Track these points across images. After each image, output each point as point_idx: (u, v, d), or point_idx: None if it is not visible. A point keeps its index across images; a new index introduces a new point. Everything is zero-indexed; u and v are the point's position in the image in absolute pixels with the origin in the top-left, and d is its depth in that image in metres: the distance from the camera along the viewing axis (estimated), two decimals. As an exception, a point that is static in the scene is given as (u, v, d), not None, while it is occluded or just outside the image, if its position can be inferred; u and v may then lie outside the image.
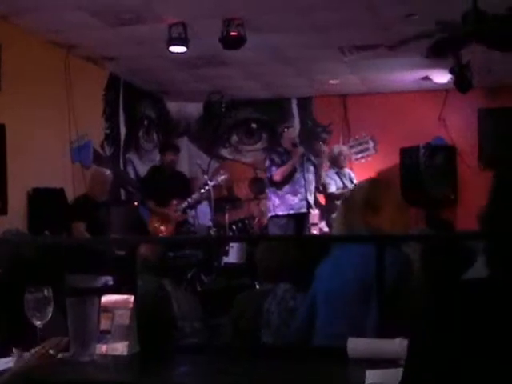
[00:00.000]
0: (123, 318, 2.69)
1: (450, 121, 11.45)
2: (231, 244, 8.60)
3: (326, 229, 9.86)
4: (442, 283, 1.56)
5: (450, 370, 1.44)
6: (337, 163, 9.73)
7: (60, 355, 2.58)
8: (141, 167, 11.10)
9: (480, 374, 1.41)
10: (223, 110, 12.07)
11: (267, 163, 8.87)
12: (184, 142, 12.27)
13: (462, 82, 8.85)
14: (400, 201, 3.40)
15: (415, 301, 2.87)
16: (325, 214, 9.86)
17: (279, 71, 10.16)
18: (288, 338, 3.51)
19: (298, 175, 8.69)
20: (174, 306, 3.62)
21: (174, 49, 7.84)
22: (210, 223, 9.58)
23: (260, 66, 9.79)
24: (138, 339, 2.74)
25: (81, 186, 8.66)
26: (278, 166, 8.68)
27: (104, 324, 2.69)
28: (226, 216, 9.78)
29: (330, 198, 9.53)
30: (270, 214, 8.89)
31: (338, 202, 9.41)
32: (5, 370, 2.37)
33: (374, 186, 3.47)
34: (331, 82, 10.85)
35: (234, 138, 12.54)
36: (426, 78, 10.57)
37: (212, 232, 9.35)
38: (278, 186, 8.68)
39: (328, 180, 9.57)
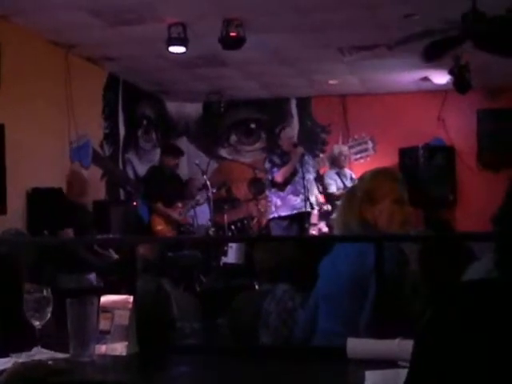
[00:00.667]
0: (122, 318, 2.69)
1: (449, 121, 11.47)
2: (230, 244, 8.60)
3: (325, 229, 9.86)
4: (446, 286, 1.56)
5: (456, 376, 1.44)
6: (337, 163, 9.74)
7: (59, 355, 2.59)
8: (140, 167, 11.11)
9: (486, 379, 1.41)
10: (222, 110, 12.08)
11: (267, 165, 8.86)
12: (183, 142, 12.28)
13: (461, 82, 8.87)
14: (400, 195, 3.33)
15: (413, 300, 2.87)
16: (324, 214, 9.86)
17: (278, 71, 10.16)
18: (292, 337, 3.51)
19: (298, 175, 8.70)
20: (174, 307, 3.62)
21: (174, 49, 7.85)
22: (209, 223, 9.59)
23: (259, 66, 9.80)
24: (137, 339, 2.73)
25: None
26: (279, 167, 8.68)
27: (103, 324, 2.68)
28: (225, 216, 9.79)
29: (331, 198, 9.52)
30: (271, 216, 8.88)
31: (339, 203, 9.47)
32: (3, 371, 2.37)
33: (375, 176, 3.42)
34: (330, 82, 10.86)
35: (233, 138, 12.54)
36: (426, 79, 10.58)
37: (211, 232, 9.36)
38: (281, 187, 8.69)
39: (328, 180, 9.58)
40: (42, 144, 8.11)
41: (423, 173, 10.96)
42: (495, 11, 5.91)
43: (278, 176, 8.64)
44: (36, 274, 3.15)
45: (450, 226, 7.07)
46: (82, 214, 8.12)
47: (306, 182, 8.63)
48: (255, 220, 10.25)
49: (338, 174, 9.68)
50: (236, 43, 7.60)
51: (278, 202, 8.73)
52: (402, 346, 2.37)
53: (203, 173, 9.82)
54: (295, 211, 8.67)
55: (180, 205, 9.45)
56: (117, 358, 2.64)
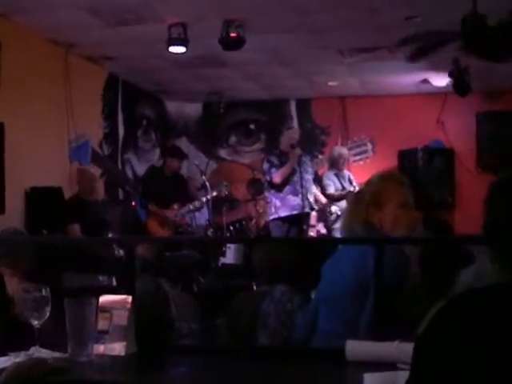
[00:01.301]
0: (121, 318, 2.69)
1: (449, 124, 11.47)
2: (228, 245, 8.60)
3: (323, 230, 9.86)
4: (449, 294, 1.56)
5: (455, 379, 1.43)
6: (336, 165, 9.72)
7: (57, 355, 2.58)
8: (139, 167, 11.11)
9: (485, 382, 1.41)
10: (222, 110, 12.08)
11: (265, 166, 8.84)
12: (182, 143, 12.27)
13: (460, 85, 8.87)
14: (406, 199, 3.34)
15: (413, 303, 2.87)
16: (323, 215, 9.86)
17: (278, 72, 10.16)
18: (291, 338, 3.50)
19: (296, 176, 8.69)
20: (172, 307, 3.61)
21: (174, 49, 7.85)
22: (208, 223, 9.59)
23: (259, 67, 9.79)
24: (135, 339, 2.73)
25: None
26: (277, 167, 8.67)
27: (102, 324, 2.68)
28: (224, 217, 9.78)
29: (329, 199, 9.52)
30: (271, 217, 8.86)
31: (338, 203, 9.46)
32: (2, 370, 2.36)
33: (381, 180, 3.43)
34: (330, 83, 10.86)
35: (233, 138, 12.54)
36: (425, 81, 10.58)
37: (209, 232, 9.35)
38: (279, 187, 8.67)
39: (327, 181, 9.58)
40: (41, 143, 8.10)
41: (422, 175, 10.96)
42: (496, 14, 5.91)
43: (276, 177, 8.63)
44: (38, 273, 3.15)
45: (448, 228, 7.07)
46: (94, 210, 8.19)
47: (304, 182, 8.62)
48: (254, 221, 10.24)
49: (337, 176, 9.67)
50: (236, 44, 7.61)
51: (278, 203, 8.71)
52: (400, 349, 2.37)
53: (202, 173, 9.82)
54: (295, 211, 8.66)
55: (176, 206, 9.43)
56: (115, 358, 2.64)
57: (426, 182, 10.86)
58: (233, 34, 7.48)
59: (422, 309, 1.55)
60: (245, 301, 4.13)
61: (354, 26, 7.73)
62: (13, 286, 3.15)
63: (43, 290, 2.61)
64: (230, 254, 8.58)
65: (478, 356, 1.42)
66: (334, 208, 9.48)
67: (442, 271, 3.04)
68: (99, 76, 9.87)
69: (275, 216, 8.74)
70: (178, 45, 7.75)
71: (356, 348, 2.54)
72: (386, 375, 2.28)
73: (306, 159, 9.01)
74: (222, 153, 12.54)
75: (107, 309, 2.71)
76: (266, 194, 9.03)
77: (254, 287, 6.02)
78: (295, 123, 12.08)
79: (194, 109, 12.47)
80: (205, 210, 9.71)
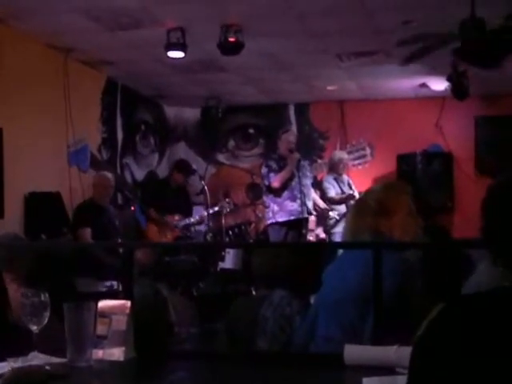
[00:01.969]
0: (120, 323, 2.68)
1: (447, 128, 11.48)
2: (227, 249, 8.59)
3: (322, 235, 9.86)
4: (445, 299, 1.56)
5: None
6: (335, 169, 9.71)
7: (56, 360, 2.58)
8: (138, 172, 11.11)
9: None
10: (220, 115, 12.08)
11: (264, 170, 8.82)
12: (181, 147, 12.28)
13: (459, 89, 8.87)
14: (412, 207, 3.37)
15: (413, 308, 2.87)
16: (322, 220, 9.86)
17: (277, 77, 10.17)
18: (290, 343, 3.50)
19: (295, 181, 8.68)
20: (171, 312, 3.61)
21: (172, 54, 7.85)
22: (207, 228, 9.59)
23: (257, 72, 9.80)
24: (134, 345, 2.73)
25: (77, 190, 8.66)
26: (276, 172, 8.67)
27: (100, 329, 2.68)
28: (223, 221, 9.78)
29: (330, 202, 9.52)
30: (269, 221, 8.86)
31: (338, 208, 9.45)
32: (0, 376, 2.36)
33: (388, 189, 3.46)
34: (329, 88, 10.87)
35: (231, 143, 12.55)
36: (424, 85, 10.59)
37: (208, 237, 9.35)
38: (277, 192, 8.66)
39: (327, 185, 9.57)
40: (39, 148, 8.10)
41: (421, 179, 10.97)
42: (494, 18, 5.91)
43: (275, 181, 8.62)
44: (37, 278, 3.14)
45: (446, 233, 7.07)
46: (108, 216, 8.28)
47: (302, 187, 8.62)
48: (253, 225, 10.24)
49: (336, 180, 9.67)
50: (235, 48, 7.61)
51: (275, 208, 8.70)
52: (399, 353, 2.37)
53: (201, 178, 9.83)
54: (292, 217, 8.65)
55: (176, 217, 9.52)
56: (114, 363, 2.64)
57: (424, 186, 10.87)
58: (231, 39, 7.48)
59: (422, 313, 1.54)
60: (244, 305, 4.13)
61: (352, 31, 7.74)
62: (12, 291, 3.14)
63: (42, 295, 2.60)
64: (229, 259, 8.58)
65: (477, 360, 1.42)
66: (331, 213, 9.48)
67: (442, 276, 3.04)
68: (98, 80, 9.88)
69: (273, 221, 8.74)
70: (176, 49, 7.75)
71: (354, 352, 2.54)
72: (385, 380, 2.28)
73: (305, 163, 9.01)
74: (221, 157, 12.54)
75: (106, 314, 2.70)
76: (265, 198, 9.03)
77: (253, 292, 6.02)
78: (294, 127, 12.07)
79: (192, 113, 12.47)
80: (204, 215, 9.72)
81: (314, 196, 9.45)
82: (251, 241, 9.64)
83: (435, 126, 11.50)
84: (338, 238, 9.12)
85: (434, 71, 9.32)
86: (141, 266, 4.23)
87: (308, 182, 8.94)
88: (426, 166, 11.15)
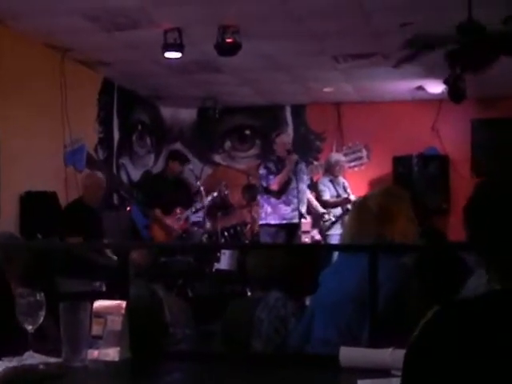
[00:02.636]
0: (115, 323, 2.68)
1: (444, 131, 11.49)
2: (223, 250, 8.60)
3: (317, 237, 9.85)
4: (441, 301, 1.55)
5: None
6: (332, 171, 9.65)
7: (51, 360, 2.58)
8: (134, 172, 11.11)
9: None
10: (217, 116, 12.07)
11: (263, 172, 8.82)
12: (177, 148, 12.27)
13: (455, 92, 8.86)
14: (411, 214, 3.40)
15: (410, 312, 2.87)
16: (317, 222, 9.86)
17: (273, 78, 10.17)
18: (285, 345, 3.51)
19: (292, 185, 8.68)
20: (166, 312, 3.62)
21: (169, 54, 7.85)
22: (202, 229, 9.60)
23: (254, 73, 9.80)
24: (129, 345, 2.73)
25: (74, 190, 8.65)
26: (274, 174, 8.66)
27: (96, 329, 2.68)
28: (218, 222, 9.78)
29: (324, 205, 9.49)
30: (260, 222, 8.87)
31: (333, 210, 9.43)
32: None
33: (389, 194, 3.48)
34: (325, 89, 10.88)
35: (228, 144, 12.54)
36: (420, 88, 10.60)
37: (204, 238, 9.35)
38: (276, 194, 8.66)
39: (322, 187, 9.52)
40: (36, 147, 8.09)
41: (417, 181, 10.98)
42: (491, 21, 5.91)
43: (274, 184, 8.62)
44: (33, 278, 3.14)
45: (442, 236, 7.07)
46: (98, 218, 8.18)
47: (298, 193, 8.62)
48: (248, 226, 10.24)
49: (332, 182, 9.62)
50: (232, 49, 7.60)
51: (269, 210, 8.71)
52: (394, 356, 2.37)
53: (197, 178, 9.83)
54: (284, 221, 8.66)
55: (178, 211, 9.46)
56: (109, 364, 2.63)
57: (420, 188, 10.88)
58: (228, 40, 7.48)
59: (418, 316, 1.54)
60: (239, 307, 4.13)
61: (349, 33, 7.75)
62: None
63: (37, 295, 2.60)
64: (225, 260, 8.58)
65: (470, 362, 1.42)
66: (327, 216, 9.46)
67: (438, 278, 3.05)
68: (95, 81, 9.87)
69: (264, 222, 8.75)
70: (173, 50, 7.75)
71: (350, 354, 2.54)
72: (380, 382, 2.28)
73: (302, 166, 9.00)
74: (217, 158, 12.54)
75: (101, 314, 2.70)
76: (259, 197, 9.03)
77: (249, 293, 6.02)
78: (290, 129, 12.09)
79: (189, 114, 12.47)
80: (200, 216, 9.72)
81: (309, 197, 9.45)
82: (247, 242, 9.64)
83: (431, 129, 11.51)
84: (333, 240, 9.12)
85: (431, 74, 9.32)
86: (136, 266, 4.22)
87: (304, 186, 8.95)
88: (423, 168, 11.16)
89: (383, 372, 2.34)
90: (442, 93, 9.64)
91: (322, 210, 9.53)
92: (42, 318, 2.59)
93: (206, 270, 8.69)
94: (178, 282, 7.95)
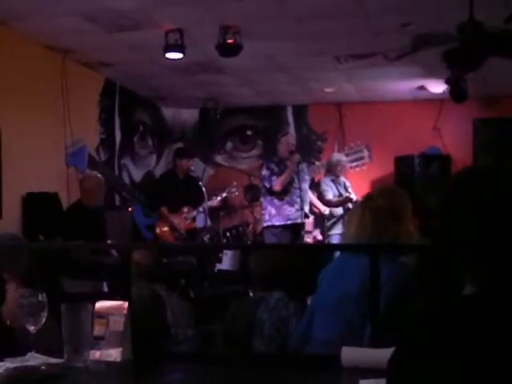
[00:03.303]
0: (117, 324, 2.68)
1: (445, 130, 11.49)
2: (225, 251, 8.59)
3: (319, 237, 9.84)
4: (432, 302, 1.54)
5: None
6: (333, 171, 9.60)
7: (53, 361, 2.58)
8: (135, 173, 11.11)
9: None
10: (218, 116, 12.08)
11: (265, 173, 8.80)
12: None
13: (457, 92, 8.86)
14: (411, 214, 3.43)
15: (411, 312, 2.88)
16: (319, 222, 9.85)
17: (275, 79, 10.17)
18: (286, 345, 3.51)
19: (294, 185, 8.67)
20: (168, 313, 3.62)
21: (171, 55, 7.85)
22: (204, 229, 9.59)
23: (256, 74, 9.81)
24: (131, 345, 2.73)
25: (75, 191, 8.64)
26: (277, 175, 8.66)
27: (98, 330, 2.68)
28: (220, 223, 9.78)
29: (327, 205, 9.44)
30: (265, 224, 8.84)
31: (336, 210, 9.41)
32: (-3, 375, 2.37)
33: (398, 195, 3.50)
34: (327, 90, 10.88)
35: (229, 144, 12.55)
36: (422, 88, 10.60)
37: (206, 239, 9.34)
38: (279, 195, 8.65)
39: (324, 187, 9.45)
40: (37, 148, 8.10)
41: (419, 181, 10.97)
42: (492, 21, 5.91)
43: (277, 185, 8.61)
44: (35, 278, 3.14)
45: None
46: (98, 219, 8.11)
47: (302, 193, 8.62)
48: (250, 227, 10.24)
49: (334, 182, 9.57)
50: (233, 50, 7.61)
51: (273, 211, 8.69)
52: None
53: (199, 179, 9.83)
54: (289, 221, 8.64)
55: (186, 210, 9.42)
56: (111, 364, 2.64)
57: (422, 188, 10.86)
58: (230, 41, 7.48)
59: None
60: (241, 307, 4.12)
61: (350, 33, 7.75)
62: (10, 290, 3.15)
63: (40, 296, 2.60)
64: (227, 261, 8.58)
65: (447, 368, 1.41)
66: (327, 212, 9.44)
67: (438, 279, 3.05)
68: (96, 82, 9.88)
69: (269, 224, 8.73)
70: (174, 51, 7.75)
71: (352, 354, 2.54)
72: (382, 382, 2.27)
73: (303, 167, 9.00)
74: (219, 159, 12.54)
75: (103, 315, 2.70)
76: (262, 200, 9.01)
77: (251, 294, 6.02)
78: (292, 129, 12.09)
79: (190, 115, 12.47)
80: (202, 216, 9.71)
81: (311, 197, 9.44)
82: (249, 242, 9.64)
83: (433, 129, 11.52)
84: (334, 240, 9.11)
85: (433, 74, 9.33)
86: (138, 266, 4.22)
87: (306, 186, 8.95)
88: (424, 168, 11.15)
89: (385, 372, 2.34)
90: (444, 92, 9.65)
91: (323, 208, 9.51)
92: (44, 319, 2.59)
93: (207, 271, 8.69)
94: (180, 283, 7.95)
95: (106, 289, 7.28)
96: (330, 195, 9.40)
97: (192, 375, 2.70)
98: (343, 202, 9.31)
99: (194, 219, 9.56)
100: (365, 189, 10.21)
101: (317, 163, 10.88)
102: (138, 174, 11.20)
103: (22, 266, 3.20)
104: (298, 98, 11.60)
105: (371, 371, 2.37)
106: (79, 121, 8.93)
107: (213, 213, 9.79)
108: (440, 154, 11.52)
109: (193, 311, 4.56)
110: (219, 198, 9.48)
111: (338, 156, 9.94)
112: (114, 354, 2.66)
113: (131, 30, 7.60)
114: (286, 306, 3.68)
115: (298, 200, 8.61)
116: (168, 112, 12.40)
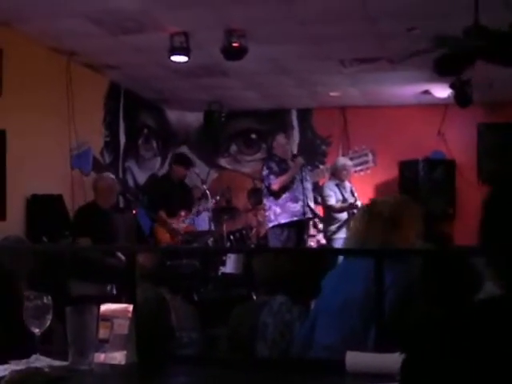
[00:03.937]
0: (122, 327, 2.69)
1: (450, 135, 11.49)
2: (228, 254, 8.60)
3: (323, 241, 9.82)
4: (447, 307, 1.54)
5: None
6: (338, 175, 9.55)
7: (58, 363, 2.58)
8: (140, 175, 11.12)
9: None
10: (223, 119, 12.07)
11: (265, 172, 8.82)
12: (183, 151, 12.28)
13: (462, 96, 8.88)
14: (420, 230, 3.43)
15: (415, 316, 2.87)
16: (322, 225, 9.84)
17: (280, 82, 10.18)
18: (290, 350, 3.50)
19: (296, 183, 8.67)
20: (172, 316, 3.61)
21: (176, 58, 7.86)
22: (208, 233, 9.60)
23: (260, 77, 9.81)
24: (136, 348, 2.73)
25: (80, 193, 8.66)
26: (277, 174, 8.66)
27: (102, 333, 2.68)
28: (224, 226, 9.78)
29: (329, 210, 9.40)
30: (270, 224, 8.82)
31: (337, 215, 9.38)
32: (1, 378, 2.36)
33: (400, 202, 3.51)
34: (331, 93, 10.88)
35: (234, 147, 12.55)
36: (426, 92, 10.59)
37: (210, 242, 9.34)
38: (276, 194, 8.66)
39: (328, 192, 9.38)
40: (42, 151, 8.11)
41: (423, 186, 10.97)
42: (498, 25, 5.90)
43: (275, 184, 8.61)
44: (40, 281, 3.15)
45: (449, 240, 7.07)
46: (110, 220, 8.12)
47: (305, 190, 8.62)
48: (254, 230, 10.24)
49: (338, 186, 9.52)
50: (238, 54, 7.62)
51: (277, 210, 8.69)
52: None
53: (203, 182, 9.84)
54: (295, 218, 8.63)
55: (183, 213, 9.47)
56: (115, 367, 2.64)
57: (426, 193, 10.87)
58: (235, 44, 7.49)
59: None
60: (244, 311, 4.12)
61: (355, 37, 7.75)
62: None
63: (45, 298, 2.61)
64: (230, 264, 8.58)
65: (462, 371, 1.41)
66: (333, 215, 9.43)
67: (443, 284, 3.04)
68: (101, 84, 9.89)
69: (275, 223, 8.71)
70: (179, 54, 7.76)
71: (356, 359, 2.54)
72: (387, 387, 2.28)
73: (307, 170, 9.00)
74: (223, 162, 12.55)
75: (108, 317, 2.71)
76: (265, 201, 9.01)
77: (254, 297, 6.02)
78: (296, 133, 12.10)
79: (195, 118, 12.47)
80: (205, 220, 9.73)
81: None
82: (252, 246, 9.63)
83: (438, 133, 11.51)
84: (338, 245, 9.08)
85: (437, 78, 9.30)
86: (143, 269, 4.22)
87: (309, 185, 8.94)
88: (429, 173, 11.15)
89: (389, 377, 2.33)
90: (448, 97, 9.65)
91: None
92: (49, 321, 2.60)
93: (211, 274, 8.69)
94: (184, 286, 7.95)
95: (114, 291, 7.30)
96: (333, 201, 9.33)
97: (196, 378, 2.70)
98: (346, 208, 9.26)
99: (192, 222, 9.60)
100: (369, 193, 10.22)
101: (321, 167, 10.89)
102: (142, 177, 11.20)
103: (27, 269, 3.20)
104: (303, 101, 11.60)
105: (376, 376, 2.37)
106: (84, 123, 8.94)
107: (216, 216, 9.80)
108: (444, 158, 11.52)
109: (197, 314, 4.56)
110: (213, 201, 9.53)
111: (343, 160, 9.89)
112: (118, 357, 2.66)
113: (136, 33, 7.61)
114: (289, 310, 3.68)
115: (302, 196, 8.61)
116: (172, 115, 12.40)
